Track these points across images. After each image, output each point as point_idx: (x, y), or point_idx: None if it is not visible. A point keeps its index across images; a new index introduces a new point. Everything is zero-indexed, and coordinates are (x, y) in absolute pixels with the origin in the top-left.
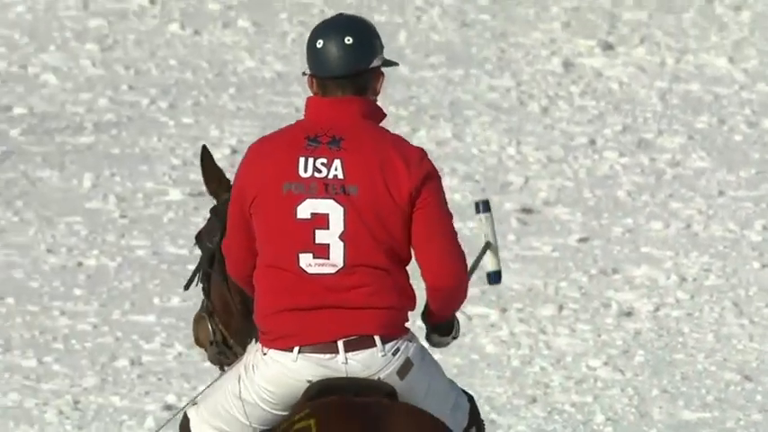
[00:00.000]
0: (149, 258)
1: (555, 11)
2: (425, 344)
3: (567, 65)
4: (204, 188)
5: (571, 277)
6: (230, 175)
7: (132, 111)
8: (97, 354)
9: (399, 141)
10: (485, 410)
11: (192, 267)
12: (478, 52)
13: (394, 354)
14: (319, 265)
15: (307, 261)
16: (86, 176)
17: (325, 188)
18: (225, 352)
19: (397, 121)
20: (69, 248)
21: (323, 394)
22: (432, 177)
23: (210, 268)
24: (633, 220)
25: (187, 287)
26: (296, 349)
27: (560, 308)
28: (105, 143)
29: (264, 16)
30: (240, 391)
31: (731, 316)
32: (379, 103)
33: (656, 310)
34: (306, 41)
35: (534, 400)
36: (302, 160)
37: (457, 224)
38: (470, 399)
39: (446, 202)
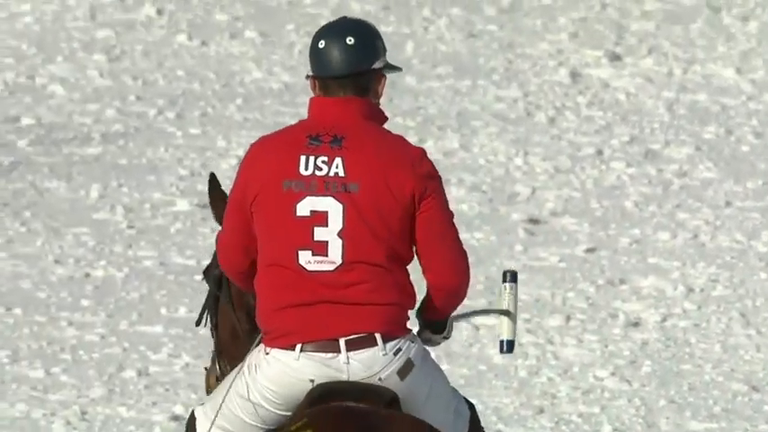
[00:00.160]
0: (156, 269)
1: (562, 21)
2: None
3: (575, 75)
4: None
5: (578, 288)
6: None
7: (140, 121)
8: (104, 364)
9: (401, 141)
10: (492, 421)
11: (199, 278)
12: (486, 63)
13: (395, 353)
14: (318, 262)
15: (306, 258)
16: (94, 187)
17: (325, 186)
18: None
19: (404, 132)
20: (77, 259)
21: (325, 398)
22: (433, 177)
23: (219, 291)
24: (640, 231)
25: (198, 323)
26: (298, 347)
27: (568, 318)
28: (113, 154)
29: (271, 27)
30: (243, 391)
31: (738, 326)
32: (382, 108)
33: (664, 320)
34: (309, 46)
35: (541, 411)
36: (303, 158)
37: (463, 235)
38: (471, 407)
39: (447, 202)
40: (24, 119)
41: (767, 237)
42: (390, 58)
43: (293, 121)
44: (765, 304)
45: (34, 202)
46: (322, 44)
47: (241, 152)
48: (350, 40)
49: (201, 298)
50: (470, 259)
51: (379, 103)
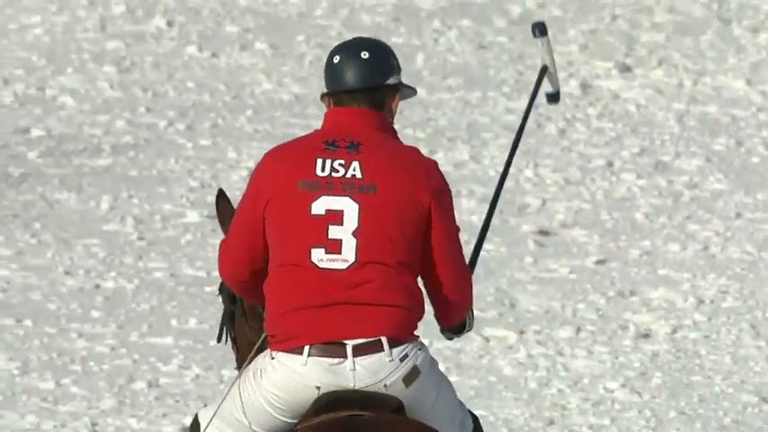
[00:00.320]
0: (167, 280)
1: (572, 33)
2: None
3: (585, 87)
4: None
5: (589, 299)
6: None
7: (150, 133)
8: (115, 376)
9: (415, 151)
10: None
11: (209, 289)
12: (496, 74)
13: (401, 359)
14: (331, 260)
15: (318, 256)
16: (104, 198)
17: (341, 186)
18: None
19: (414, 143)
20: (87, 270)
21: (332, 407)
22: (445, 191)
23: (233, 305)
24: (651, 243)
25: (219, 339)
26: (305, 350)
27: (578, 330)
28: (123, 165)
29: (282, 39)
30: (247, 396)
31: (748, 338)
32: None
33: (674, 332)
34: (324, 64)
35: (552, 423)
36: (320, 161)
37: (469, 246)
38: (475, 419)
39: (455, 217)
40: (34, 130)
41: None
42: (401, 69)
43: (303, 133)
44: None
45: (44, 213)
46: (337, 59)
47: (252, 164)
48: (364, 55)
49: (212, 310)
50: (480, 271)
51: (393, 122)
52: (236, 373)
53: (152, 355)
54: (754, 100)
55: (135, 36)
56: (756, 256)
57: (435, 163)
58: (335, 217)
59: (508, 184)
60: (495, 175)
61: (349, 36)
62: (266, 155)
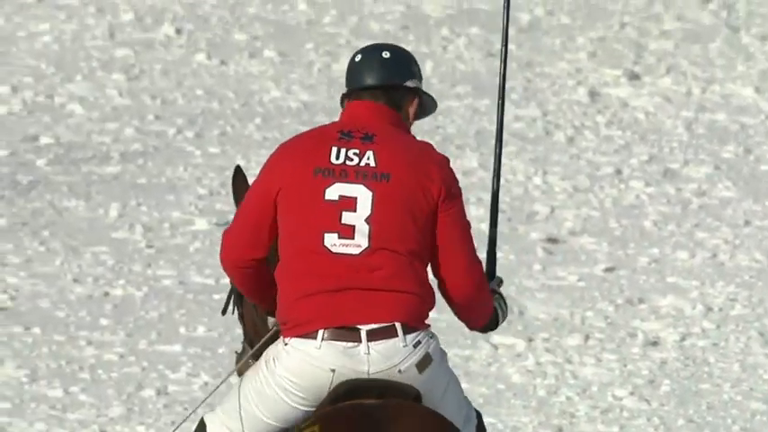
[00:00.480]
0: (176, 288)
1: (581, 41)
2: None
3: (593, 95)
4: (231, 214)
5: (597, 307)
6: None
7: (158, 140)
8: (123, 383)
9: (428, 146)
10: None
11: (218, 297)
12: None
13: (415, 346)
14: (344, 245)
15: (332, 241)
16: (113, 206)
17: (355, 174)
18: None
19: None
20: (96, 278)
21: (349, 396)
22: (455, 184)
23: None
24: (659, 250)
25: (224, 312)
26: (320, 334)
27: (586, 337)
28: (132, 173)
29: (290, 46)
30: (260, 387)
31: (757, 345)
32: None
33: (682, 339)
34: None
35: (560, 430)
36: (335, 149)
37: (482, 254)
38: (479, 415)
39: (465, 213)
40: (43, 138)
41: None
42: (422, 78)
43: None
44: None
45: (53, 221)
46: (359, 58)
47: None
48: (385, 54)
49: (220, 317)
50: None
51: (410, 127)
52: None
53: (161, 362)
54: (763, 108)
55: (144, 44)
56: (765, 263)
57: (447, 159)
58: (349, 203)
59: (517, 191)
60: (503, 182)
61: (358, 44)
62: (281, 145)
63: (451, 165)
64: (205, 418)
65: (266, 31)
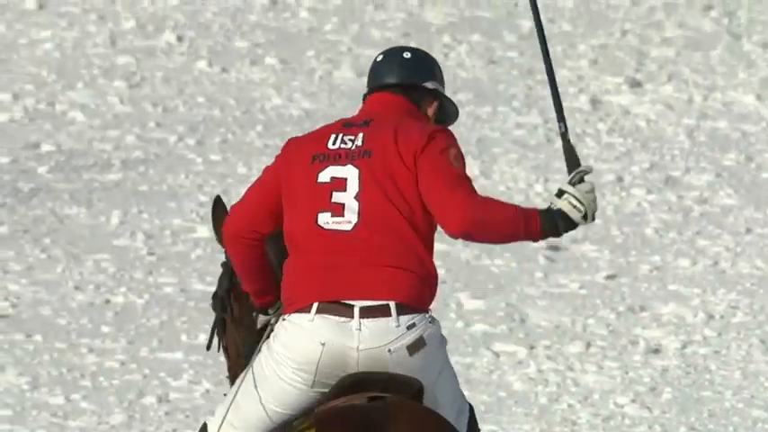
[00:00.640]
0: (177, 295)
1: (582, 48)
2: None
3: (595, 102)
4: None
5: (599, 314)
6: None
7: (160, 148)
8: (125, 391)
9: (426, 121)
10: None
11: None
12: (506, 89)
13: (408, 327)
14: (336, 222)
15: (325, 219)
16: (114, 213)
17: (346, 156)
18: None
19: None
20: (97, 285)
21: (354, 388)
22: (440, 137)
23: (224, 312)
24: (661, 258)
25: (209, 347)
26: (314, 307)
27: (588, 345)
28: (133, 180)
29: (292, 54)
30: (260, 369)
31: (758, 353)
32: None
33: (684, 347)
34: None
35: None
36: (333, 136)
37: (484, 261)
38: (471, 408)
39: (457, 158)
40: (44, 145)
41: None
42: (444, 83)
43: None
44: None
45: (54, 228)
46: (380, 58)
47: None
48: (406, 55)
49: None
50: (490, 286)
51: None
52: (226, 386)
53: (162, 370)
54: (765, 115)
55: (145, 51)
56: (766, 271)
57: (443, 128)
58: (340, 184)
59: (518, 198)
60: (505, 189)
61: (359, 52)
62: (292, 137)
63: None
64: (207, 422)
65: (267, 38)
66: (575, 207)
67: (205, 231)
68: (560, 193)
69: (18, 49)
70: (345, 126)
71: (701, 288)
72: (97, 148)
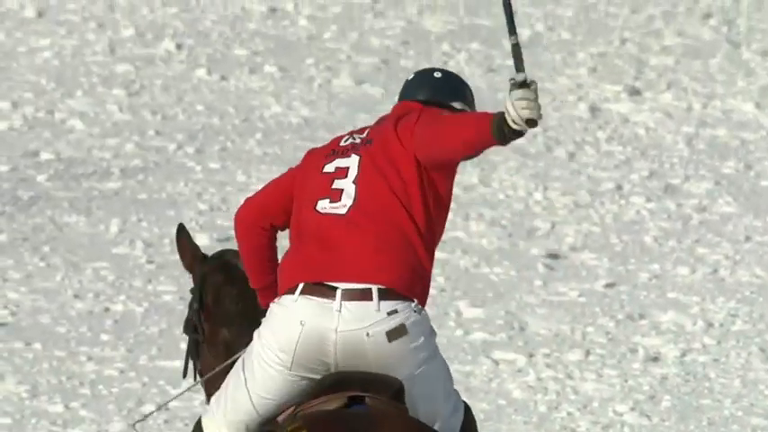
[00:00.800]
0: (176, 303)
1: (581, 56)
2: None
3: (594, 110)
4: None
5: (598, 322)
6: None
7: (159, 156)
8: (124, 399)
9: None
10: None
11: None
12: (505, 98)
13: (389, 314)
14: (332, 207)
15: (323, 205)
16: (113, 222)
17: (352, 149)
18: None
19: None
20: (96, 294)
21: (335, 387)
22: (434, 108)
23: (196, 333)
24: (660, 266)
25: (185, 375)
26: (299, 287)
27: (587, 353)
28: (132, 188)
29: (291, 62)
30: (249, 355)
31: (758, 361)
32: None
33: (683, 355)
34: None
35: None
36: (347, 137)
37: (483, 270)
38: (468, 409)
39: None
40: (44, 154)
41: None
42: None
43: None
44: None
45: (54, 236)
46: (411, 76)
47: (260, 187)
48: (437, 74)
49: None
50: (490, 295)
51: None
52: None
53: (161, 378)
54: (764, 123)
55: (144, 59)
56: (766, 279)
57: None
58: (342, 172)
59: (517, 207)
60: (504, 198)
61: (358, 59)
62: (312, 148)
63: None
64: (202, 419)
65: (267, 46)
66: (507, 111)
67: (204, 239)
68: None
69: (17, 57)
70: (361, 129)
71: (701, 296)
72: (96, 157)
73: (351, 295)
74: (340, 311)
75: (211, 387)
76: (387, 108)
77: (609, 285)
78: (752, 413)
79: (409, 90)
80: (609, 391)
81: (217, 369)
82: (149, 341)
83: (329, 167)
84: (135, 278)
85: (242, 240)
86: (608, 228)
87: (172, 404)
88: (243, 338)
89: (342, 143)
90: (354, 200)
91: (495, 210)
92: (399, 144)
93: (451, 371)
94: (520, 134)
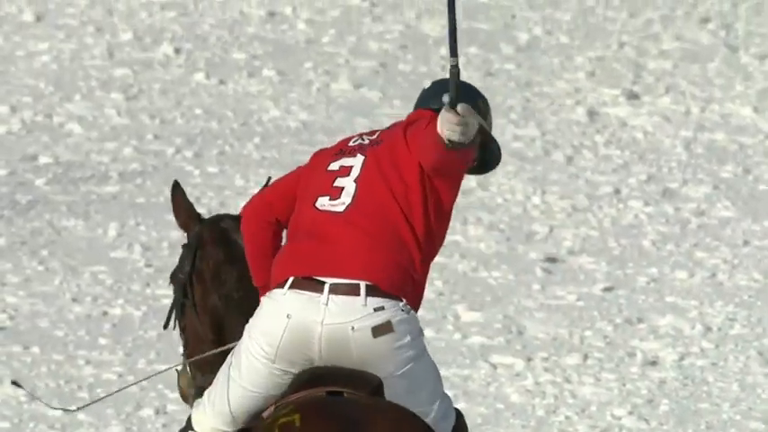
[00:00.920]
0: None
1: (579, 60)
2: None
3: (592, 114)
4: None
5: (596, 326)
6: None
7: (157, 160)
8: (122, 403)
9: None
10: None
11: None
12: (503, 102)
13: (376, 310)
14: (331, 204)
15: (322, 202)
16: (111, 226)
17: (359, 149)
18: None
19: None
20: (94, 297)
21: (312, 382)
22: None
23: (185, 298)
24: (658, 270)
25: (166, 326)
26: (289, 281)
27: (585, 357)
28: (130, 192)
29: (289, 66)
30: (238, 348)
31: (756, 365)
32: None
33: (681, 359)
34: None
35: None
36: (356, 137)
37: (481, 274)
38: (459, 416)
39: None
40: (42, 157)
41: None
42: (407, 97)
43: None
44: None
45: (52, 240)
46: (427, 84)
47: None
48: None
49: None
50: (488, 299)
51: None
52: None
53: (159, 382)
54: (762, 127)
55: (142, 63)
56: (764, 283)
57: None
58: (345, 171)
59: (515, 210)
60: (502, 202)
61: (357, 63)
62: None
63: None
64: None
65: (265, 50)
66: (439, 128)
67: None
68: None
69: (15, 61)
70: (372, 131)
71: (699, 300)
72: (95, 161)
73: (339, 289)
74: (327, 305)
75: (194, 351)
76: (385, 112)
77: (607, 289)
78: (750, 417)
79: (424, 99)
80: (607, 395)
81: (205, 354)
82: (148, 345)
83: (334, 166)
84: (133, 282)
85: (248, 235)
86: (606, 232)
87: (170, 408)
88: (236, 329)
89: (350, 143)
90: (353, 198)
91: (494, 214)
92: (406, 149)
93: (449, 375)
94: (461, 145)
